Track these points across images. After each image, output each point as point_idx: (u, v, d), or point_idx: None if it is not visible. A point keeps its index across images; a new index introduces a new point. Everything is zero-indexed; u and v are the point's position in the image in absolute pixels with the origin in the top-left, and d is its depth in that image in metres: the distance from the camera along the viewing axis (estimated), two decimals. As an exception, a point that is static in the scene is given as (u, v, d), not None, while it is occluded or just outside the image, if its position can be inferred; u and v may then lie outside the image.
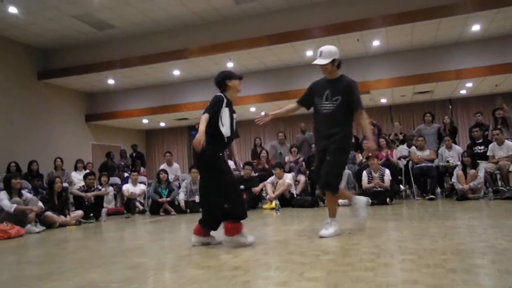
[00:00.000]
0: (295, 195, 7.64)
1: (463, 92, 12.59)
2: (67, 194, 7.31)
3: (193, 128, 16.43)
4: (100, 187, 7.67)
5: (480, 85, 11.59)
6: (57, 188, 6.47)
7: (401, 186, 7.76)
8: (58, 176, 7.12)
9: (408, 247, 2.85)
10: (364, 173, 7.12)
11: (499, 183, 7.36)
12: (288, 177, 7.69)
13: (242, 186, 7.60)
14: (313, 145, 8.77)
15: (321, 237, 3.51)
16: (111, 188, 8.49)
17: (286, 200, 7.44)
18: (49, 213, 6.07)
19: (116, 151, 12.59)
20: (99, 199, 7.38)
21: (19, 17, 8.98)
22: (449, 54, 10.41)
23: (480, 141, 7.83)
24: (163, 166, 9.07)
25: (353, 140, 8.52)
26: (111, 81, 11.83)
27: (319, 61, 3.67)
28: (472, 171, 6.92)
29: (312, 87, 3.87)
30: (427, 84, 11.11)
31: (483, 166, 7.10)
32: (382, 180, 6.92)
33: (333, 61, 3.64)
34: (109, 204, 8.17)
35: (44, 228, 5.80)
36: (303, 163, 8.65)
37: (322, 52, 3.67)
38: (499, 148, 7.30)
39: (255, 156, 9.45)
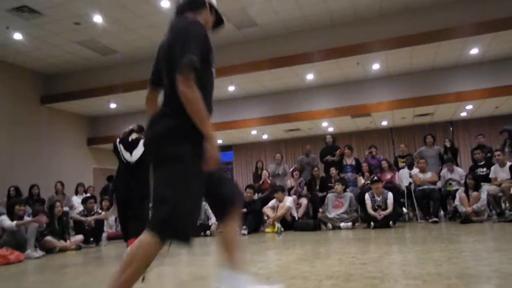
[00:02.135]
0: (296, 218, 7.59)
1: (463, 114, 12.64)
2: (67, 219, 7.27)
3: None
4: (100, 211, 7.63)
5: (480, 107, 11.65)
6: (57, 212, 6.45)
7: (404, 209, 7.71)
8: (59, 200, 7.11)
9: (412, 271, 2.81)
10: (367, 196, 7.07)
11: (503, 205, 7.31)
12: (289, 200, 7.65)
13: (244, 209, 7.59)
14: (316, 168, 8.77)
15: None
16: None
17: (287, 224, 7.38)
18: (49, 237, 6.03)
19: (117, 175, 12.56)
20: (100, 223, 7.33)
21: (23, 43, 9.14)
22: (448, 77, 10.50)
23: (482, 163, 7.82)
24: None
25: (353, 162, 8.53)
26: (113, 105, 11.93)
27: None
28: (475, 193, 6.87)
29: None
30: (428, 107, 11.18)
31: (486, 188, 7.07)
32: (385, 204, 6.85)
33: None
34: (110, 228, 8.11)
35: (43, 253, 5.75)
36: (305, 186, 8.63)
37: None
38: (501, 169, 7.28)
39: (257, 179, 9.43)
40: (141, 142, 5.23)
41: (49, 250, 5.95)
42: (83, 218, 7.12)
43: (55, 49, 9.66)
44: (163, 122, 1.93)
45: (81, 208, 7.85)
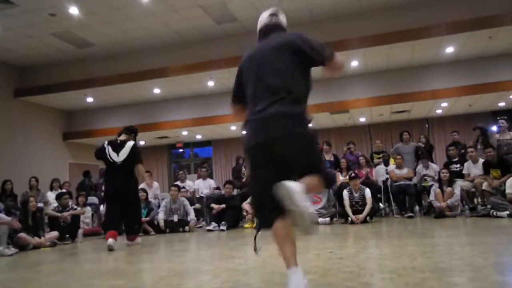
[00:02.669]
0: (276, 214, 7.61)
1: (439, 111, 12.92)
2: (42, 215, 7.10)
3: (174, 147, 16.32)
4: (75, 207, 7.49)
5: (455, 105, 11.93)
6: (31, 207, 6.28)
7: (381, 204, 7.84)
8: (33, 196, 6.93)
9: (388, 265, 2.87)
10: (345, 192, 7.15)
11: (476, 200, 7.52)
12: (269, 196, 7.67)
13: (223, 205, 7.58)
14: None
15: None
16: (88, 208, 8.30)
17: (267, 219, 7.40)
18: (22, 234, 5.87)
19: (94, 170, 12.36)
20: (76, 219, 7.19)
21: (-4, 34, 8.87)
22: (424, 75, 10.72)
23: (456, 159, 8.01)
24: (143, 185, 8.94)
25: (332, 158, 8.60)
26: (90, 99, 11.71)
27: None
28: (449, 189, 7.05)
29: None
30: (404, 104, 11.39)
31: (459, 184, 7.25)
32: (363, 200, 6.93)
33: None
34: (86, 224, 7.98)
35: (17, 250, 5.59)
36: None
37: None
38: (474, 166, 7.48)
39: (236, 174, 9.45)
40: (128, 143, 5.61)
41: (22, 247, 5.80)
42: (58, 214, 6.97)
43: (29, 40, 9.39)
44: (296, 108, 2.13)
45: (56, 204, 7.68)
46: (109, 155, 5.52)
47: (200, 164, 11.14)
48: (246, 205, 7.70)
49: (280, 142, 2.08)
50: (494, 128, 11.73)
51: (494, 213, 6.27)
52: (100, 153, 5.64)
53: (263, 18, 2.47)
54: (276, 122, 2.09)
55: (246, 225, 7.48)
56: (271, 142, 2.09)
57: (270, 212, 2.19)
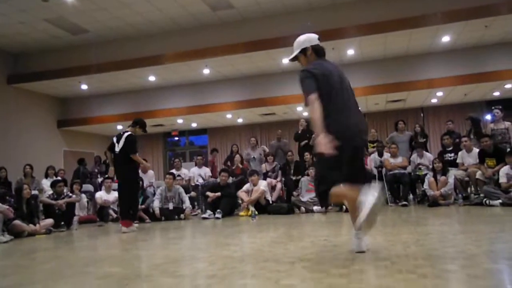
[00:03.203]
0: (271, 202, 7.66)
1: (434, 101, 12.95)
2: (36, 202, 7.08)
3: (169, 135, 16.28)
4: (70, 194, 7.48)
5: (450, 94, 11.95)
6: (26, 195, 6.26)
7: (375, 193, 7.87)
8: (27, 183, 6.91)
9: (382, 253, 2.90)
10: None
11: (469, 189, 7.59)
12: (263, 184, 7.70)
13: (218, 193, 7.60)
14: (289, 153, 8.83)
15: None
16: (83, 196, 8.30)
17: (262, 207, 7.45)
18: (17, 221, 5.86)
19: (89, 158, 12.33)
20: (71, 206, 7.19)
21: (-12, 19, 8.73)
22: (420, 64, 10.71)
23: (451, 148, 8.06)
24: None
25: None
26: (84, 86, 11.61)
27: (290, 57, 3.32)
28: (443, 177, 7.11)
29: None
30: (400, 93, 11.39)
31: (453, 172, 7.31)
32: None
33: (304, 51, 3.20)
34: (81, 212, 7.98)
35: (11, 237, 5.59)
36: (279, 170, 8.69)
37: (294, 46, 3.29)
38: (468, 155, 7.53)
39: (230, 162, 9.47)
40: (125, 134, 6.04)
41: (17, 234, 5.79)
42: (53, 202, 6.96)
43: (22, 26, 9.26)
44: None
45: (50, 191, 7.67)
46: (114, 145, 6.07)
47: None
48: (241, 193, 7.73)
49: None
50: (489, 117, 11.81)
51: (487, 201, 6.34)
52: (110, 145, 6.18)
53: (315, 38, 3.28)
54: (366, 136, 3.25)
55: (241, 213, 7.51)
56: (362, 148, 3.07)
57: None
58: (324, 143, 2.65)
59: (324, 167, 2.97)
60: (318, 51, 3.24)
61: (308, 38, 3.25)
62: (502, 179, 6.48)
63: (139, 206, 7.57)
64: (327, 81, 2.98)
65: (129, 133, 6.07)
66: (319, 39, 3.27)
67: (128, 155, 5.93)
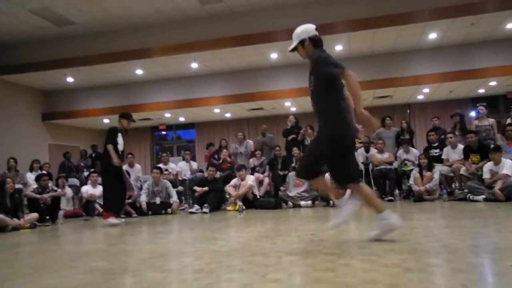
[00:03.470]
0: (258, 197, 7.67)
1: (420, 97, 13.08)
2: (21, 196, 6.99)
3: (157, 129, 16.16)
4: (55, 188, 7.39)
5: (436, 91, 12.09)
6: (9, 189, 6.17)
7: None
8: (10, 177, 6.80)
9: (368, 247, 2.93)
10: (327, 175, 7.20)
11: (453, 185, 7.71)
12: (250, 179, 7.71)
13: (206, 188, 7.58)
14: (277, 148, 8.84)
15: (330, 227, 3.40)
16: (69, 190, 8.20)
17: (249, 202, 7.46)
18: (1, 215, 5.77)
19: (74, 151, 12.19)
20: (56, 200, 7.11)
21: (-30, 9, 8.52)
22: (407, 61, 10.80)
23: (436, 144, 8.16)
24: (125, 167, 8.86)
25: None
26: (70, 79, 11.45)
27: (289, 48, 3.34)
28: (428, 173, 7.21)
29: None
30: (387, 89, 11.48)
31: (438, 168, 7.41)
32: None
33: (302, 42, 3.22)
34: (67, 206, 7.90)
35: (-5, 231, 5.52)
36: (267, 165, 8.71)
37: (292, 37, 3.30)
38: (453, 151, 7.64)
39: (217, 157, 9.47)
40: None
41: (1, 228, 5.71)
42: (38, 196, 6.87)
43: (5, 17, 9.04)
44: None
45: (35, 185, 7.56)
46: None
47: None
48: (229, 188, 7.73)
49: None
50: (473, 114, 11.99)
51: (471, 197, 6.45)
52: None
53: (312, 28, 3.26)
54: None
55: (229, 208, 7.52)
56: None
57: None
58: (371, 119, 2.99)
59: (321, 153, 3.16)
60: (316, 41, 3.24)
61: (305, 29, 3.25)
62: (486, 175, 6.59)
63: (127, 201, 7.52)
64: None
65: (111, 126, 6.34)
66: (316, 29, 3.26)
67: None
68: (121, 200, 6.37)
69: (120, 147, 6.18)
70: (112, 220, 5.86)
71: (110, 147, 6.08)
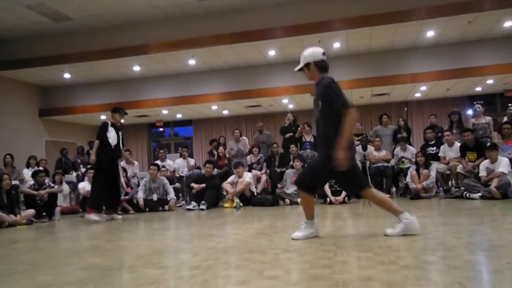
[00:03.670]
0: (255, 194, 7.68)
1: (418, 95, 13.10)
2: (17, 192, 6.96)
3: (154, 126, 16.13)
4: (52, 184, 7.37)
5: (433, 89, 12.11)
6: (5, 185, 6.14)
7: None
8: (7, 173, 6.78)
9: (364, 244, 2.94)
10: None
11: (450, 182, 7.73)
12: (248, 176, 7.72)
13: (203, 185, 7.58)
14: (275, 145, 8.84)
15: (293, 239, 3.31)
16: (65, 186, 8.18)
17: (246, 199, 7.46)
18: (-3, 212, 5.77)
19: (71, 148, 12.16)
20: (53, 197, 7.09)
21: (-34, 4, 8.46)
22: (405, 58, 10.81)
23: (433, 142, 8.18)
24: (122, 164, 8.85)
25: (312, 140, 8.64)
26: (67, 75, 11.40)
27: (295, 68, 3.49)
28: (425, 171, 7.23)
29: None
30: (385, 87, 11.49)
31: (435, 166, 7.43)
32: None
33: (307, 65, 3.38)
34: (64, 202, 7.88)
35: (-9, 228, 5.50)
36: (264, 163, 8.71)
37: (300, 58, 3.44)
38: (449, 149, 7.66)
39: (212, 153, 9.48)
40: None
41: (-3, 225, 5.71)
42: (34, 192, 6.85)
43: (1, 12, 8.99)
44: None
45: (32, 181, 7.54)
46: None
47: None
48: (226, 185, 7.73)
49: None
50: (470, 112, 12.02)
51: (467, 195, 6.47)
52: None
53: (319, 53, 3.39)
54: None
55: (226, 205, 7.52)
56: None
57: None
58: (344, 159, 3.08)
59: (321, 172, 3.34)
60: (321, 67, 3.39)
61: (313, 54, 3.39)
62: (482, 173, 6.61)
63: (124, 197, 7.52)
64: None
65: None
66: (324, 53, 3.39)
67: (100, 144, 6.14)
68: (111, 198, 6.31)
69: (113, 141, 6.14)
70: (93, 216, 5.91)
71: (96, 142, 6.16)
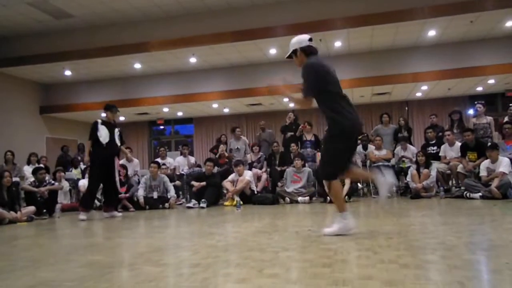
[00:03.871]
0: (255, 192, 7.68)
1: (418, 94, 13.09)
2: (18, 189, 6.97)
3: (154, 123, 16.13)
4: (52, 181, 7.37)
5: (434, 88, 12.09)
6: (6, 182, 6.15)
7: (359, 184, 7.98)
8: (8, 170, 6.78)
9: (365, 243, 2.94)
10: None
11: (450, 182, 7.73)
12: (248, 174, 7.72)
13: (203, 183, 7.58)
14: (275, 144, 8.84)
15: (324, 235, 3.34)
16: (66, 183, 8.19)
17: (247, 197, 7.46)
18: (-3, 208, 5.77)
19: (72, 145, 12.16)
20: (53, 194, 7.09)
21: (-33, 1, 8.45)
22: (406, 58, 10.79)
23: (434, 141, 8.17)
24: (122, 161, 8.85)
25: (312, 138, 8.65)
26: (68, 72, 11.40)
27: (286, 56, 3.67)
28: (425, 170, 7.23)
29: None
30: (386, 86, 11.48)
31: (436, 166, 7.43)
32: (342, 179, 7.04)
33: (294, 52, 3.54)
34: (64, 199, 7.88)
35: (-8, 224, 5.51)
36: (264, 161, 8.71)
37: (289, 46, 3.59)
38: (450, 149, 7.66)
39: (213, 151, 9.47)
40: None
41: (-2, 221, 5.71)
42: (35, 189, 6.85)
43: (3, 9, 8.98)
44: None
45: (32, 178, 7.55)
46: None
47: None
48: (226, 183, 7.73)
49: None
50: (471, 112, 12.01)
51: (468, 194, 6.47)
52: None
53: (304, 39, 3.51)
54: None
55: (226, 203, 7.52)
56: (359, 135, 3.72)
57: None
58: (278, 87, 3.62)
59: (340, 155, 3.37)
60: (306, 51, 3.52)
61: (298, 40, 3.55)
62: (483, 173, 6.61)
63: (124, 195, 7.52)
64: (333, 77, 3.42)
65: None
66: (310, 39, 3.53)
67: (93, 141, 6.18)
68: (108, 195, 6.42)
69: (104, 139, 6.13)
70: (80, 216, 5.94)
71: (88, 143, 6.25)
